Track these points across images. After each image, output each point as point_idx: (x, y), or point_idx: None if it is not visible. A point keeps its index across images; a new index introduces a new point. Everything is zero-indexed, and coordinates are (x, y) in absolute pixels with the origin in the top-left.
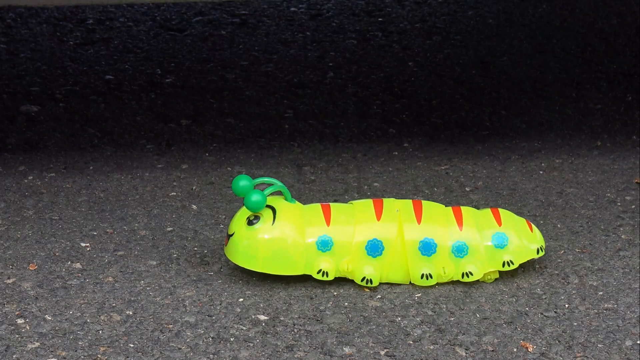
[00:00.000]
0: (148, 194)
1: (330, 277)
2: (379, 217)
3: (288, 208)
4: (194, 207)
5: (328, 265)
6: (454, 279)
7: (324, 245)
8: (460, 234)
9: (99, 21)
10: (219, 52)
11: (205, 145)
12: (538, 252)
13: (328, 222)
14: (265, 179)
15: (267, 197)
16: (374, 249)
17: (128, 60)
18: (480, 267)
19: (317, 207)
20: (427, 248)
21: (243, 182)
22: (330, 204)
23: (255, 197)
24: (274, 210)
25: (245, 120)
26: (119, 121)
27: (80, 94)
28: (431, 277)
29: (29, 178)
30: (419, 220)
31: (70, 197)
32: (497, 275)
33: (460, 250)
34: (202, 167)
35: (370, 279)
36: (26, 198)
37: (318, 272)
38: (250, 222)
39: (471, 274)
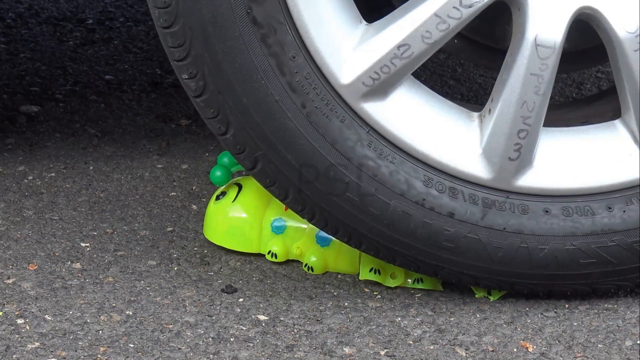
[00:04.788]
0: (148, 194)
1: (280, 259)
2: None
3: (255, 189)
4: (194, 207)
5: (277, 249)
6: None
7: (278, 229)
8: None
9: (99, 21)
10: None
11: (205, 145)
12: None
13: (287, 207)
14: None
15: (244, 178)
16: (323, 239)
17: (128, 60)
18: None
19: None
20: None
21: (219, 172)
22: None
23: (217, 172)
24: (240, 188)
25: None
26: (119, 121)
27: (80, 94)
28: (379, 273)
29: (29, 178)
30: None
31: (70, 197)
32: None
33: None
34: (202, 167)
35: (312, 267)
36: (26, 198)
37: (268, 253)
38: (217, 198)
39: (422, 280)
